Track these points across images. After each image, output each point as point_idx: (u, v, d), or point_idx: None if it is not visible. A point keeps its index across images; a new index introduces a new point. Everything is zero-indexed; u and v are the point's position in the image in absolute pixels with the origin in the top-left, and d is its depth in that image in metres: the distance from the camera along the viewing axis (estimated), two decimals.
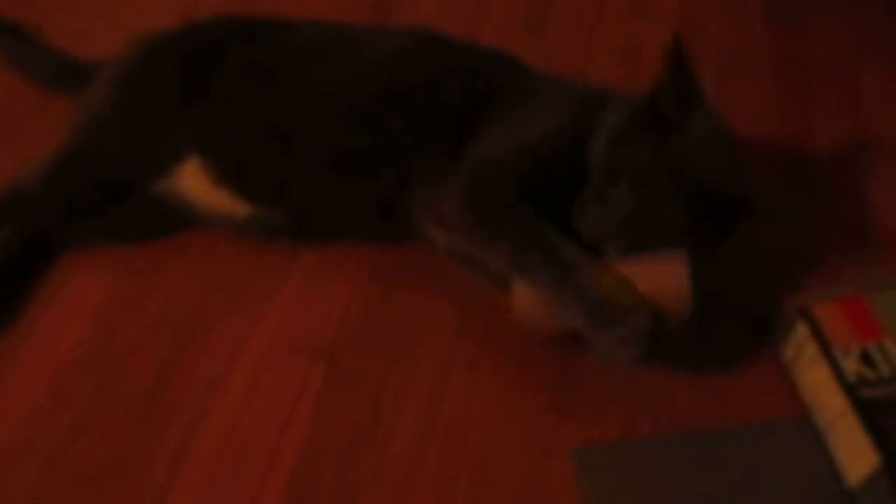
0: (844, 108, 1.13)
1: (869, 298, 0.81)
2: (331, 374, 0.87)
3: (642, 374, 0.86)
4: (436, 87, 0.92)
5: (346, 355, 0.89)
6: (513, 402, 0.85)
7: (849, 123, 1.11)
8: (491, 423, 0.83)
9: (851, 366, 0.77)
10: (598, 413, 0.84)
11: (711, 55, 1.20)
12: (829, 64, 1.19)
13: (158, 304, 0.93)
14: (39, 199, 0.95)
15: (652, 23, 1.25)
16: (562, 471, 0.79)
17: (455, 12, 1.27)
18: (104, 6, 1.28)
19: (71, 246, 0.98)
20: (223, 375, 0.87)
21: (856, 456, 0.74)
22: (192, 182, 0.95)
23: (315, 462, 0.81)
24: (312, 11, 1.26)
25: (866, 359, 0.77)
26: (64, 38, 1.22)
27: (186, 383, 0.86)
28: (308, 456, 0.81)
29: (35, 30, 1.21)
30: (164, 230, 0.99)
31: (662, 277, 0.80)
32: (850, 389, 0.75)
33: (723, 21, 1.25)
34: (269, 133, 0.93)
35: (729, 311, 0.89)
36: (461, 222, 0.85)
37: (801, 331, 0.81)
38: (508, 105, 0.91)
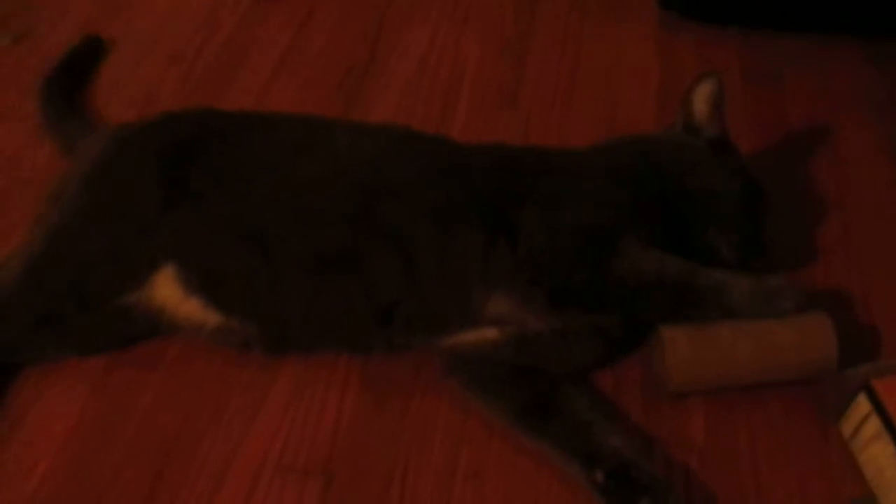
0: (822, 166, 1.11)
1: None
2: (326, 492, 0.81)
3: (702, 464, 0.81)
4: (424, 186, 0.89)
5: (342, 471, 0.83)
6: None
7: (832, 183, 1.10)
8: None
9: None
10: None
11: None
12: (807, 121, 1.18)
13: (135, 427, 0.86)
14: (11, 307, 0.87)
15: (628, 89, 1.23)
16: None
17: (426, 92, 1.23)
18: None
19: (33, 361, 0.90)
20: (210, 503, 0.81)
21: None
22: (166, 292, 0.89)
23: None
24: (279, 102, 1.22)
25: None
26: None
27: None
28: None
29: None
30: (132, 339, 0.92)
31: (812, 332, 0.85)
32: None
33: None
34: (245, 235, 0.88)
35: None
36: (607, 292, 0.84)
37: (863, 405, 0.79)
38: (540, 181, 0.90)
